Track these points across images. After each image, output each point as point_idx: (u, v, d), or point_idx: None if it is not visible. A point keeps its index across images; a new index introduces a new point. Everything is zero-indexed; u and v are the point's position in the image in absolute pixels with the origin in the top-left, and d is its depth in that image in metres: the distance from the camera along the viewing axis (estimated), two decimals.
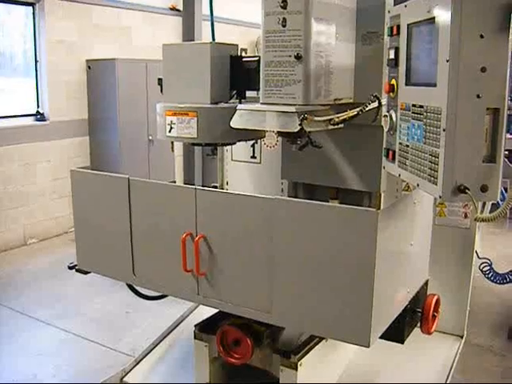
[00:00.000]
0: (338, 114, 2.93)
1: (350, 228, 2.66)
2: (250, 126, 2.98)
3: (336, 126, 2.92)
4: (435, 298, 3.66)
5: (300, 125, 2.77)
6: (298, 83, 2.87)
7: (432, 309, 3.61)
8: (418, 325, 3.67)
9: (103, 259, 3.65)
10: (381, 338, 2.99)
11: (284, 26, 2.86)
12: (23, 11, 9.39)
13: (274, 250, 2.88)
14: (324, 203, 2.83)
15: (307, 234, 2.79)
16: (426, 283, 3.73)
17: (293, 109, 2.84)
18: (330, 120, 2.91)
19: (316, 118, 2.85)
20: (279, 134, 3.05)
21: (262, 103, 3.00)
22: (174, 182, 3.81)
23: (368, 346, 2.71)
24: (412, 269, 3.38)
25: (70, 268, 3.78)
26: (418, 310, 3.59)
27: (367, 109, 2.80)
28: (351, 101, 3.22)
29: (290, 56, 2.86)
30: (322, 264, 2.75)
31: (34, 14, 9.44)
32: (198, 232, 3.12)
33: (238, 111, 3.05)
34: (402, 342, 3.49)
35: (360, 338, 2.73)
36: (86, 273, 3.77)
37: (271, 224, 2.86)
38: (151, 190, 3.38)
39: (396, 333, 3.37)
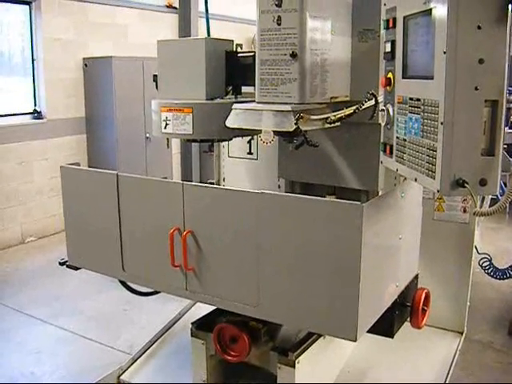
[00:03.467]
0: (334, 112, 2.90)
1: (336, 222, 2.65)
2: (246, 125, 2.95)
3: (332, 125, 2.89)
4: (425, 292, 3.64)
5: (296, 124, 2.74)
6: (293, 82, 2.85)
7: (422, 303, 3.58)
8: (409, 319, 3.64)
9: (93, 255, 3.65)
10: (370, 332, 2.99)
11: (279, 24, 2.83)
12: (20, 10, 9.34)
13: (260, 245, 2.87)
14: (310, 197, 2.82)
15: (294, 228, 2.78)
16: (416, 277, 3.70)
17: (288, 108, 2.81)
18: (327, 119, 2.87)
19: (312, 117, 2.82)
20: (275, 133, 3.02)
21: (257, 102, 2.98)
22: (166, 178, 3.82)
23: (355, 340, 2.69)
24: (401, 262, 3.36)
25: (61, 264, 3.78)
26: (408, 304, 3.56)
27: (364, 107, 2.78)
28: (347, 99, 3.19)
29: (286, 54, 2.83)
30: (309, 258, 2.74)
31: (30, 12, 9.39)
32: (186, 227, 3.11)
33: (233, 110, 3.02)
34: (391, 336, 3.46)
35: (347, 332, 2.72)
36: (76, 269, 3.77)
37: (258, 219, 2.85)
38: (140, 185, 3.37)
39: (385, 327, 3.36)
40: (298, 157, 3.42)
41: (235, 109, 3.02)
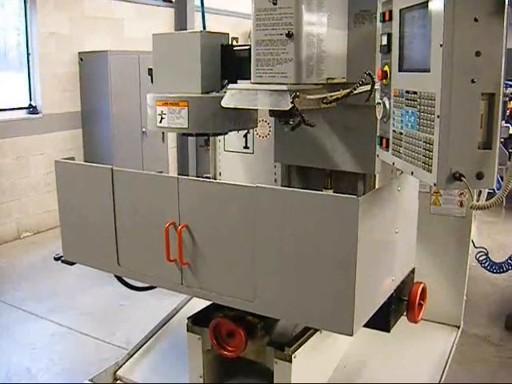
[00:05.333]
0: (330, 92, 2.89)
1: (331, 215, 2.63)
2: (241, 105, 2.95)
3: (329, 105, 2.88)
4: (421, 286, 3.62)
5: (292, 103, 2.72)
6: (289, 62, 2.84)
7: (418, 297, 3.57)
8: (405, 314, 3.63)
9: (88, 250, 3.62)
10: (366, 326, 2.96)
11: (275, 3, 2.83)
12: (15, 4, 9.30)
13: (256, 239, 2.85)
14: (306, 191, 2.79)
15: (289, 222, 2.75)
16: (413, 271, 3.69)
17: (284, 87, 2.81)
18: (323, 98, 2.86)
19: (308, 97, 2.81)
20: (271, 113, 3.00)
21: (253, 82, 2.97)
22: (161, 172, 3.84)
23: (351, 335, 2.68)
24: (397, 256, 3.34)
25: (56, 259, 3.76)
26: (405, 298, 3.54)
27: (360, 88, 2.76)
28: (344, 80, 3.17)
29: (281, 34, 2.83)
30: (305, 252, 2.72)
31: (25, 6, 9.35)
32: (181, 221, 3.09)
33: (229, 91, 3.02)
34: (387, 330, 3.44)
35: (343, 327, 2.70)
36: (71, 264, 3.75)
37: (253, 212, 2.83)
38: (134, 179, 3.35)
39: (382, 321, 3.34)
40: (294, 140, 3.41)
41: (230, 89, 3.01)
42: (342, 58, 3.17)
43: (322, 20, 2.94)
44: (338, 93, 2.84)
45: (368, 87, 2.77)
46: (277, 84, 2.85)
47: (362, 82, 2.75)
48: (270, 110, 2.98)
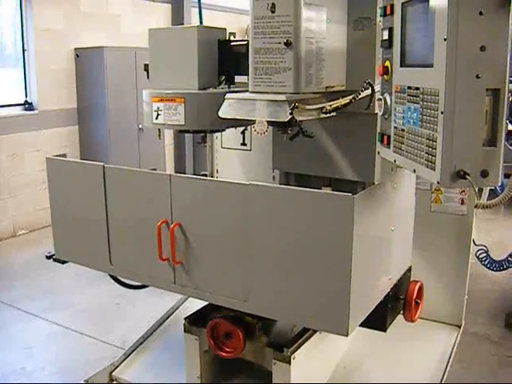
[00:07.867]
0: (329, 101, 2.84)
1: (326, 214, 2.61)
2: (239, 115, 2.89)
3: (328, 115, 2.83)
4: (418, 284, 3.59)
5: (291, 114, 2.67)
6: (288, 71, 2.78)
7: (415, 296, 3.53)
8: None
9: (80, 248, 3.60)
10: (362, 326, 2.96)
11: (273, 11, 2.76)
12: (11, 0, 9.24)
13: (250, 237, 2.82)
14: (300, 188, 2.76)
15: (283, 220, 2.73)
16: (409, 269, 3.67)
17: (283, 97, 2.74)
18: (322, 108, 2.82)
19: (307, 107, 2.76)
20: (270, 123, 2.96)
21: (251, 92, 2.91)
22: (155, 169, 3.84)
23: (346, 335, 2.65)
24: (394, 255, 3.32)
25: (48, 258, 3.72)
26: (401, 297, 3.51)
27: (360, 96, 2.72)
28: (343, 88, 3.13)
29: (280, 43, 2.76)
30: (299, 251, 2.70)
31: (20, 2, 9.30)
32: (174, 220, 3.06)
33: (226, 100, 2.96)
34: (384, 330, 3.44)
35: (338, 327, 2.69)
36: (63, 262, 3.73)
37: (247, 210, 2.81)
38: (126, 177, 3.32)
39: (378, 321, 3.33)
40: (292, 148, 3.36)
41: (228, 99, 2.95)
42: (341, 66, 3.13)
43: (321, 27, 2.88)
44: (338, 102, 2.80)
45: (367, 93, 2.74)
46: (275, 94, 2.79)
47: (362, 91, 2.71)
48: (268, 120, 2.93)
